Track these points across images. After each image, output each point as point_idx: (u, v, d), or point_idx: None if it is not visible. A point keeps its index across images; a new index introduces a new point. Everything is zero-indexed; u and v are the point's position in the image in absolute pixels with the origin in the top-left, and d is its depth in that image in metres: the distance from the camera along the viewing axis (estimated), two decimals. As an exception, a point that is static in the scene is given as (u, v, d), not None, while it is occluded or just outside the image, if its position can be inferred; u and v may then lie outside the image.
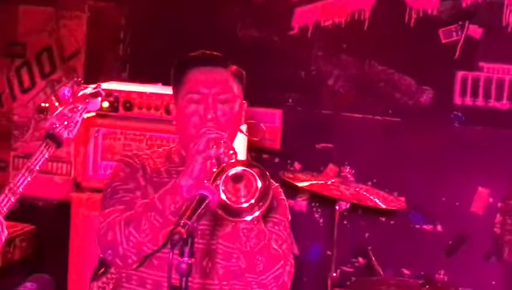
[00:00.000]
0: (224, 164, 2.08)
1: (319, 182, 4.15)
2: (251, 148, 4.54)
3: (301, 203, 5.11)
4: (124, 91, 4.24)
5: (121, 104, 4.17)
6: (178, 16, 5.21)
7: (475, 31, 4.78)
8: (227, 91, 2.37)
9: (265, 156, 5.06)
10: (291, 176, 4.37)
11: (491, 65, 4.79)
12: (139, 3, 5.33)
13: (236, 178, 2.08)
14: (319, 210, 5.05)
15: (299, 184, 4.16)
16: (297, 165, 5.06)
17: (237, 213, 2.06)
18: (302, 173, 4.73)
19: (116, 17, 5.33)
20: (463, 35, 4.80)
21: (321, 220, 5.04)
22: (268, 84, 5.07)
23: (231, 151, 2.12)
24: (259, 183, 2.05)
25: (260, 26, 5.15)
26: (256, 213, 2.05)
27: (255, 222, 2.12)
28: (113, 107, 4.09)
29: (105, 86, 3.73)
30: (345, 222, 4.84)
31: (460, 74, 4.82)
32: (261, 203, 2.06)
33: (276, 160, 5.10)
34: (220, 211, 2.02)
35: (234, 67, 2.43)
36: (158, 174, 2.46)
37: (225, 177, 2.03)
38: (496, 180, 4.81)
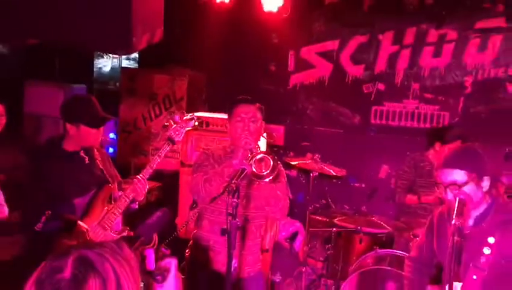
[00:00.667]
0: (253, 153, 2.40)
1: (303, 162, 4.54)
2: (269, 144, 4.95)
3: (293, 172, 5.70)
4: (205, 117, 4.68)
5: (204, 123, 4.60)
6: (233, 80, 5.70)
7: (381, 86, 5.53)
8: (255, 116, 2.71)
9: (275, 148, 5.51)
10: (288, 159, 4.88)
11: (388, 103, 5.54)
12: (212, 73, 5.85)
13: (260, 160, 2.38)
14: (302, 176, 5.61)
15: (293, 163, 4.59)
16: (292, 154, 5.63)
17: (261, 177, 2.40)
18: (294, 157, 5.16)
19: (201, 79, 5.85)
20: (375, 88, 5.54)
21: (303, 181, 5.56)
22: (277, 113, 5.61)
23: (257, 146, 2.46)
24: (272, 163, 2.37)
25: (273, 83, 5.84)
26: (270, 177, 2.38)
27: (269, 182, 2.46)
28: (200, 124, 4.36)
29: (196, 114, 3.60)
30: (315, 182, 5.13)
31: (374, 107, 5.58)
32: (272, 173, 2.39)
33: (281, 151, 5.63)
34: (252, 176, 2.40)
35: (258, 104, 2.78)
36: (219, 158, 2.73)
37: (254, 159, 2.36)
38: (392, 161, 5.38)
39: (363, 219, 4.23)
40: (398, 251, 4.03)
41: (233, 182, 2.21)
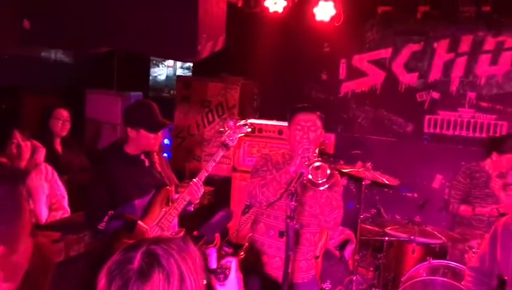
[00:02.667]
0: (311, 160, 2.39)
1: (353, 169, 4.52)
2: (320, 151, 5.18)
3: (343, 180, 5.13)
4: (257, 123, 4.79)
5: (256, 130, 4.72)
6: (284, 89, 5.81)
7: (435, 94, 5.43)
8: (315, 125, 2.70)
9: (326, 156, 5.19)
10: (339, 166, 4.68)
11: (443, 112, 5.41)
12: (264, 81, 5.95)
13: (317, 168, 2.36)
14: (353, 184, 5.56)
15: (345, 170, 4.50)
16: (342, 162, 5.29)
17: (316, 185, 2.37)
18: (345, 165, 5.02)
19: (253, 87, 5.92)
20: (429, 97, 5.44)
21: (354, 190, 5.54)
22: (328, 121, 5.76)
23: (315, 154, 2.46)
24: (328, 171, 2.35)
25: (324, 92, 5.87)
26: (326, 186, 2.35)
27: (325, 190, 2.44)
28: (253, 131, 4.39)
29: (250, 121, 3.66)
30: (366, 191, 5.13)
31: (427, 116, 5.48)
32: (328, 181, 2.36)
33: (332, 158, 5.32)
34: (308, 184, 2.37)
35: (318, 112, 2.77)
36: (277, 164, 2.75)
37: (311, 167, 2.35)
38: (446, 171, 5.30)
39: (416, 228, 4.06)
40: (452, 262, 3.93)
41: (292, 185, 2.23)
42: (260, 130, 4.69)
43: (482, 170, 4.48)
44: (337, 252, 4.70)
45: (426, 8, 5.33)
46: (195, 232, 1.51)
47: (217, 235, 1.53)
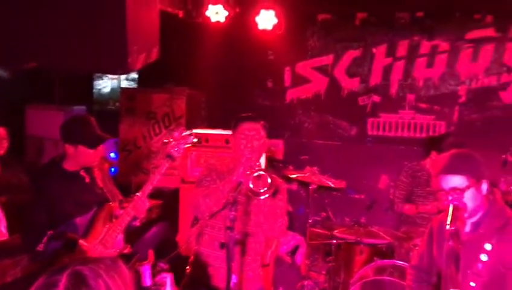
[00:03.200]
0: (252, 170, 2.40)
1: (301, 175, 4.56)
2: (269, 158, 5.00)
3: (293, 185, 5.63)
4: (204, 133, 4.67)
5: (203, 139, 4.60)
6: (231, 97, 5.81)
7: (376, 98, 5.58)
8: (259, 134, 2.69)
9: (275, 162, 5.53)
10: (288, 172, 4.83)
11: (384, 114, 5.59)
12: (211, 91, 5.90)
13: (258, 177, 2.38)
14: (302, 189, 5.52)
15: (292, 176, 4.59)
16: (291, 167, 5.39)
17: (257, 194, 2.38)
18: (294, 171, 5.04)
19: (200, 97, 5.91)
20: (370, 100, 5.60)
21: (304, 194, 5.45)
22: (275, 128, 5.25)
23: (258, 164, 2.47)
24: (269, 180, 2.37)
25: (271, 99, 5.96)
26: (266, 195, 2.36)
27: (267, 199, 2.44)
28: (199, 141, 4.42)
29: (195, 131, 3.89)
30: (315, 195, 5.23)
31: (370, 119, 5.64)
32: (269, 190, 2.38)
33: (281, 165, 5.52)
34: (249, 193, 2.39)
35: (262, 121, 2.75)
36: (222, 174, 2.71)
37: (252, 176, 2.36)
38: (390, 171, 5.39)
39: (362, 230, 4.15)
40: (398, 261, 4.01)
41: (230, 195, 2.25)
42: (207, 140, 4.60)
43: (423, 169, 4.61)
44: (288, 258, 4.71)
45: (364, 15, 5.51)
46: (127, 249, 1.46)
47: (151, 251, 1.48)
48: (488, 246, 2.21)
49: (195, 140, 3.10)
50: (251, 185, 2.35)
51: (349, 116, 5.69)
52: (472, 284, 2.23)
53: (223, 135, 4.77)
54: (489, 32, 5.16)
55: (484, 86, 5.24)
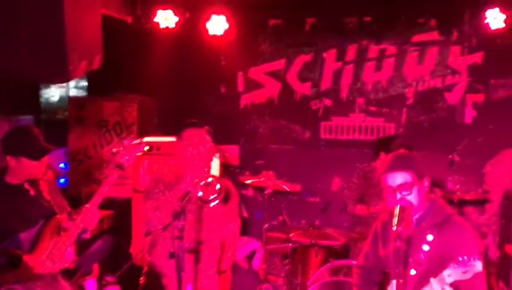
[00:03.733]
0: (201, 177, 2.41)
1: (256, 180, 4.59)
2: (223, 165, 4.74)
3: (250, 191, 5.75)
4: (156, 141, 4.50)
5: (154, 147, 4.42)
6: (184, 104, 5.74)
7: (328, 102, 5.67)
8: (203, 140, 2.75)
9: (231, 168, 5.57)
10: (243, 178, 4.84)
11: (336, 118, 5.66)
12: (163, 97, 5.79)
13: (207, 184, 2.38)
14: (259, 194, 5.48)
15: (248, 181, 4.64)
16: (247, 173, 5.46)
17: (207, 201, 2.38)
18: (250, 176, 5.08)
19: (151, 104, 5.80)
20: (322, 104, 5.68)
21: (261, 199, 5.38)
22: (230, 133, 5.78)
23: (205, 170, 2.54)
24: (218, 187, 2.38)
25: (225, 105, 5.89)
26: (216, 201, 2.37)
27: (218, 205, 2.46)
28: (151, 149, 3.85)
29: (147, 139, 3.53)
30: (272, 199, 5.24)
31: (322, 123, 5.71)
32: (219, 197, 2.38)
33: (237, 170, 5.61)
34: (199, 201, 2.40)
35: (206, 127, 2.79)
36: (170, 184, 2.74)
37: (201, 184, 2.36)
38: (343, 173, 5.41)
39: (317, 232, 4.22)
40: (353, 261, 4.07)
41: (177, 204, 2.22)
42: (158, 148, 4.47)
43: (374, 170, 4.71)
44: (245, 264, 4.70)
45: (313, 20, 5.59)
46: (71, 264, 1.41)
47: (96, 265, 1.43)
48: (429, 237, 2.32)
49: (146, 148, 3.06)
50: (200, 193, 2.34)
51: (302, 120, 5.73)
52: (412, 272, 2.33)
53: (175, 142, 4.70)
54: (434, 35, 5.36)
55: (430, 88, 5.43)
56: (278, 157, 5.75)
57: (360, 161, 5.02)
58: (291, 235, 4.26)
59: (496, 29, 4.89)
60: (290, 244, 4.20)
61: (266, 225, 4.51)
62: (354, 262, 3.89)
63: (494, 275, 4.44)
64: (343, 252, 4.45)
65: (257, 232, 5.15)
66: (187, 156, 2.67)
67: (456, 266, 1.94)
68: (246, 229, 5.63)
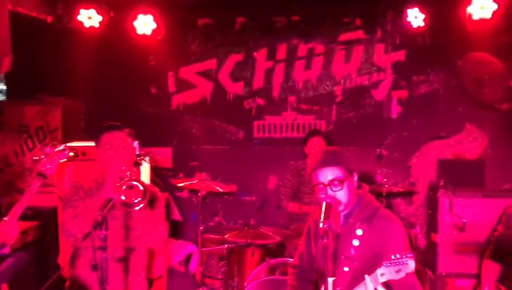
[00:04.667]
0: (122, 181, 2.31)
1: (189, 182, 4.44)
2: (156, 168, 4.92)
3: (184, 193, 5.72)
4: (81, 146, 4.32)
5: (80, 153, 4.25)
6: (113, 106, 5.54)
7: (261, 101, 5.67)
8: (125, 142, 2.63)
9: (164, 171, 5.57)
10: (176, 180, 4.74)
11: (269, 117, 5.68)
12: (90, 100, 5.64)
13: (130, 187, 2.29)
14: (194, 196, 5.49)
15: (179, 184, 4.50)
16: (181, 175, 5.57)
17: (131, 205, 2.30)
18: (184, 178, 5.02)
19: (77, 107, 5.65)
20: (255, 104, 5.67)
21: (195, 201, 5.39)
22: (163, 135, 5.70)
23: (128, 173, 2.37)
24: (142, 190, 2.29)
25: (156, 106, 5.78)
26: (141, 205, 2.30)
27: (143, 209, 2.37)
28: (76, 155, 3.96)
29: (72, 144, 3.78)
30: (208, 201, 5.27)
31: (256, 122, 5.69)
32: (144, 200, 2.30)
33: (171, 173, 5.63)
34: (123, 206, 2.31)
35: (127, 129, 2.65)
36: (90, 190, 2.60)
37: (123, 188, 2.28)
38: (278, 171, 5.47)
39: (252, 232, 4.14)
40: (288, 259, 4.09)
41: (98, 214, 2.10)
42: (84, 153, 4.27)
43: (307, 167, 4.79)
44: (181, 268, 4.62)
45: (243, 20, 5.58)
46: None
47: (4, 285, 1.31)
48: (359, 232, 2.34)
49: (71, 154, 2.94)
50: (123, 197, 2.25)
51: (235, 120, 5.71)
52: (345, 269, 2.35)
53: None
54: (359, 34, 5.52)
55: (357, 85, 5.59)
56: (212, 158, 5.69)
57: (294, 158, 5.09)
58: (226, 236, 4.20)
59: (417, 28, 5.10)
60: (226, 245, 4.13)
61: (202, 227, 4.43)
62: (290, 260, 3.97)
63: (421, 263, 4.63)
64: (279, 250, 4.48)
65: (193, 234, 5.12)
66: (107, 161, 2.55)
67: (389, 264, 1.95)
68: (181, 232, 5.63)
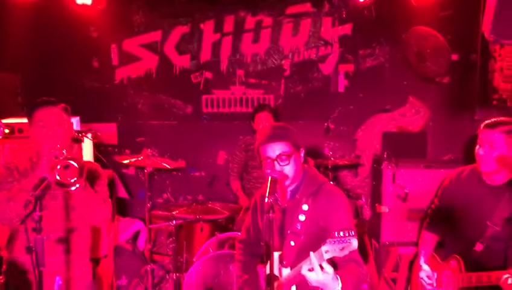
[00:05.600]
0: (57, 160, 2.23)
1: (135, 159, 4.34)
2: (100, 145, 4.77)
3: (131, 170, 5.64)
4: (18, 123, 4.11)
5: (16, 130, 4.05)
6: (53, 80, 5.32)
7: (208, 74, 5.54)
8: (60, 119, 2.53)
9: (110, 148, 5.47)
10: (122, 157, 4.62)
11: (217, 91, 5.59)
12: (28, 74, 5.32)
13: (65, 167, 2.22)
14: (141, 173, 5.51)
15: (124, 161, 4.42)
16: (127, 151, 5.54)
17: (67, 185, 2.23)
18: (130, 155, 4.98)
19: (13, 81, 5.28)
20: (203, 77, 5.55)
21: (142, 178, 5.43)
22: (107, 110, 5.51)
23: (64, 151, 2.27)
24: (78, 168, 2.22)
25: (99, 80, 5.55)
26: (77, 185, 2.23)
27: (82, 188, 2.30)
28: (12, 132, 3.97)
29: (7, 120, 3.83)
30: (155, 177, 5.58)
31: (204, 96, 5.58)
32: (80, 179, 2.24)
33: (116, 149, 5.53)
34: (58, 185, 2.23)
35: (62, 104, 2.57)
36: (25, 171, 2.53)
37: (58, 167, 2.20)
38: (227, 146, 5.50)
39: (200, 207, 4.20)
40: (238, 233, 4.12)
41: (31, 194, 2.00)
42: (21, 130, 4.05)
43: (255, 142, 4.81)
44: (129, 246, 4.56)
45: (189, -11, 5.41)
46: None
47: None
48: (305, 207, 2.38)
49: (6, 131, 3.14)
50: (58, 177, 2.17)
51: (183, 94, 5.59)
52: (292, 243, 2.40)
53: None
54: (307, 7, 5.50)
55: (305, 59, 5.59)
56: (159, 134, 5.61)
57: (243, 133, 5.11)
58: (175, 212, 4.20)
59: (363, 1, 5.15)
60: (174, 222, 4.09)
61: (149, 204, 4.37)
62: (239, 233, 4.00)
63: (366, 233, 4.81)
64: (228, 225, 4.53)
65: (141, 212, 5.14)
66: (41, 139, 2.46)
67: (333, 242, 1.96)
68: (128, 209, 5.57)
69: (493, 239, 2.65)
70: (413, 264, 3.14)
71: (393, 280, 4.22)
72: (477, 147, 2.72)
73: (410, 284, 3.14)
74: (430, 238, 3.02)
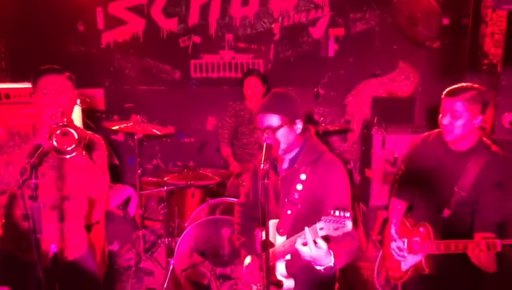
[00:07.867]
0: (57, 127, 2.23)
1: (124, 125, 4.27)
2: (88, 110, 4.71)
3: (120, 136, 5.66)
4: (3, 88, 4.16)
5: (2, 95, 4.10)
6: (37, 45, 5.26)
7: (197, 38, 5.46)
8: (63, 87, 2.51)
9: (98, 114, 5.47)
10: (110, 123, 4.54)
11: (206, 55, 5.51)
12: (11, 38, 5.31)
13: (63, 134, 2.22)
14: (130, 139, 5.56)
15: (114, 127, 4.33)
16: (116, 117, 5.55)
17: (64, 153, 2.22)
18: (119, 121, 5.20)
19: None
20: (191, 41, 5.47)
21: (131, 144, 5.43)
22: (93, 76, 5.44)
23: (65, 120, 2.28)
24: (76, 136, 2.23)
25: (84, 44, 5.47)
26: (75, 153, 2.23)
27: (79, 156, 2.30)
28: None
29: None
30: (145, 143, 5.62)
31: (192, 61, 5.52)
32: (78, 147, 2.23)
33: (104, 115, 5.54)
34: (54, 152, 2.23)
35: (67, 73, 2.56)
36: (27, 136, 2.51)
37: (55, 134, 2.20)
38: (216, 112, 5.52)
39: (191, 173, 4.20)
40: (229, 198, 4.20)
41: (26, 161, 1.99)
42: (7, 96, 4.06)
43: (246, 108, 4.84)
44: (120, 212, 4.60)
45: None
46: None
47: None
48: (303, 176, 2.38)
49: None
50: (55, 143, 2.17)
51: (171, 59, 5.52)
52: (288, 212, 2.42)
53: (28, 88, 4.25)
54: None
55: (295, 23, 5.52)
56: (148, 99, 5.58)
57: (233, 98, 5.08)
58: (166, 178, 4.21)
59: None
60: (165, 187, 4.13)
61: (139, 170, 4.35)
62: (231, 199, 4.07)
63: (356, 198, 4.89)
64: (219, 191, 4.58)
65: (131, 178, 5.13)
66: (44, 106, 2.43)
67: (328, 220, 1.98)
68: (118, 176, 5.58)
69: (460, 204, 2.63)
70: (384, 229, 3.13)
71: (380, 242, 4.32)
72: (440, 115, 2.64)
73: (382, 251, 3.13)
74: (399, 205, 3.00)
